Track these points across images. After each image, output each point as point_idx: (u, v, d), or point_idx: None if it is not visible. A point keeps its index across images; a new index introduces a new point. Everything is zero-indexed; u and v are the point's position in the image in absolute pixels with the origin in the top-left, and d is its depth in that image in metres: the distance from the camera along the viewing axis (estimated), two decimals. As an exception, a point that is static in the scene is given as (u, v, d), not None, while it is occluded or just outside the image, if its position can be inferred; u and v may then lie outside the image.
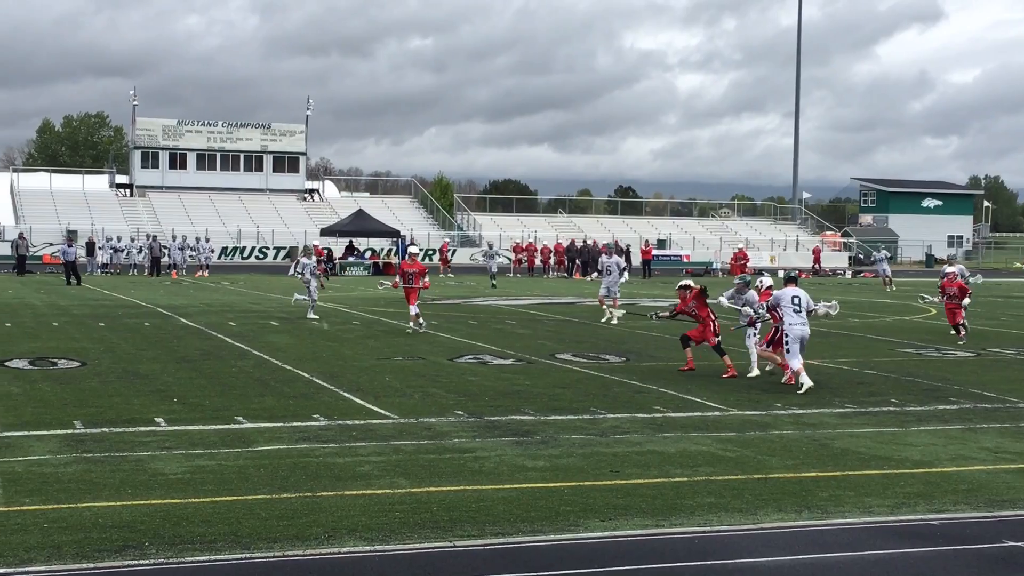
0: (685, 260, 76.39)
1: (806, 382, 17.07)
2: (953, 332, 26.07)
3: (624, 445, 12.72)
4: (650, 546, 8.75)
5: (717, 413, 15.17)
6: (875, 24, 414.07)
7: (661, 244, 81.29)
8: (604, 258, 31.30)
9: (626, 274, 30.64)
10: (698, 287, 19.96)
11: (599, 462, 11.72)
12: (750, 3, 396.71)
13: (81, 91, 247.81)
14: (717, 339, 19.41)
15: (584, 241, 65.34)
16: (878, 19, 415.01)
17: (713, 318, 19.66)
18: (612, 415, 14.73)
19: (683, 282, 20.82)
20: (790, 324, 17.47)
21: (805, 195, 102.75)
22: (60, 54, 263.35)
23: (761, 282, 20.61)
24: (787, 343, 17.56)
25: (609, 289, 29.53)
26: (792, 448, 12.77)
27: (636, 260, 62.38)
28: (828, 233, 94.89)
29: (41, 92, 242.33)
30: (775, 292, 18.66)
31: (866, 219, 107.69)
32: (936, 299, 28.28)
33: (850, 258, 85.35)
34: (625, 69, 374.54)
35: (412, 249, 29.06)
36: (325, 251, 58.14)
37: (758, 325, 19.52)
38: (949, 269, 28.09)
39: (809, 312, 17.77)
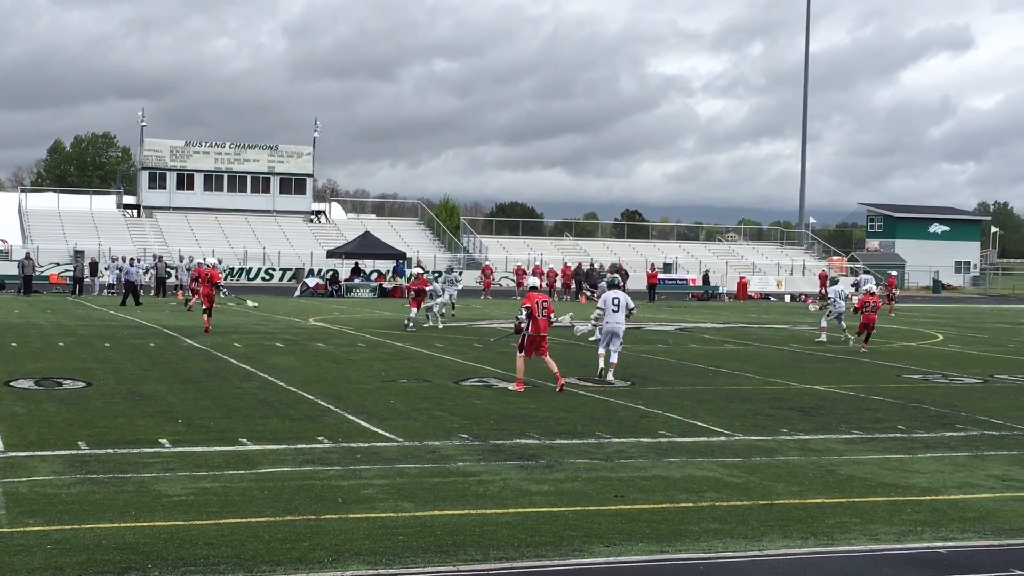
0: (691, 284, 76.31)
1: (601, 363, 21.45)
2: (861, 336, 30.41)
3: (629, 470, 12.67)
4: (654, 572, 8.70)
5: (723, 438, 15.12)
6: (902, 50, 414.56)
7: (667, 268, 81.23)
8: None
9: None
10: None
11: (604, 487, 11.68)
12: (779, 29, 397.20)
13: (105, 113, 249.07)
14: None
15: (591, 264, 65.32)
16: (905, 45, 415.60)
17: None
18: (617, 439, 14.69)
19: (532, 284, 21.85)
20: (607, 321, 21.62)
21: (811, 220, 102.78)
22: (88, 76, 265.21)
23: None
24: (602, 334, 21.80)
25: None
26: (798, 474, 12.72)
27: (639, 284, 62.37)
28: (834, 258, 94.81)
29: (65, 114, 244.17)
30: (614, 292, 22.24)
31: (872, 244, 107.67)
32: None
33: (854, 284, 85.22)
34: (647, 94, 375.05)
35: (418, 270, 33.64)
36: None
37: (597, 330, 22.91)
38: (866, 287, 33.12)
39: (628, 312, 21.82)
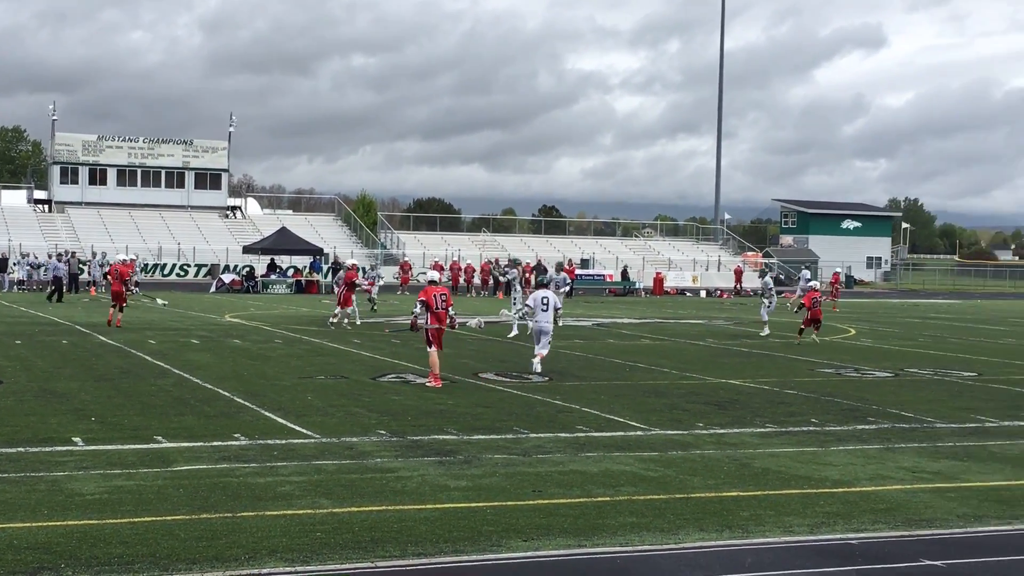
0: (608, 280, 76.75)
1: (536, 365, 21.72)
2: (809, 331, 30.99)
3: (547, 465, 12.72)
4: (572, 566, 8.75)
5: (639, 433, 15.24)
6: (816, 48, 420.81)
7: (584, 264, 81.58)
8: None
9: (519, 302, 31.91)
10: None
11: (521, 482, 11.72)
12: (696, 26, 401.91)
13: (15, 106, 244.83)
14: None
15: (509, 259, 65.37)
16: (819, 43, 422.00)
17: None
18: (535, 434, 14.74)
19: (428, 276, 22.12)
20: (537, 320, 22.22)
21: (726, 216, 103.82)
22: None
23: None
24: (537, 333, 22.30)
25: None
26: (713, 467, 12.86)
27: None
28: (749, 253, 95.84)
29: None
30: (532, 293, 23.07)
31: (786, 240, 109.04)
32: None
33: (772, 278, 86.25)
34: (565, 90, 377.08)
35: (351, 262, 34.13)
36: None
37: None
38: (810, 283, 33.77)
39: (556, 311, 22.37)
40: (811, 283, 34.84)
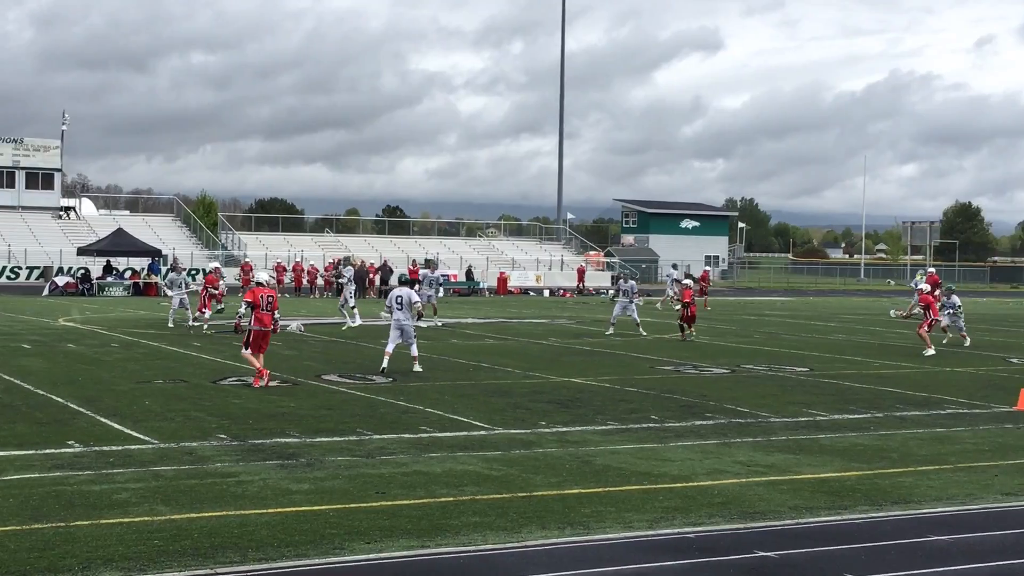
0: (452, 280, 76.86)
1: (385, 362, 21.85)
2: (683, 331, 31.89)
3: (390, 466, 12.70)
4: (415, 567, 8.75)
5: (483, 432, 15.31)
6: (656, 51, 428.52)
7: (428, 263, 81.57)
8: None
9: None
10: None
11: (365, 484, 11.68)
12: (539, 27, 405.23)
13: None
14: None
15: (351, 260, 64.93)
16: (659, 46, 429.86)
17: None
18: (379, 436, 14.69)
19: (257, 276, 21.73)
20: (395, 318, 22.05)
21: (569, 216, 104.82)
22: None
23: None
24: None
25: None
26: (556, 466, 12.99)
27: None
28: (591, 253, 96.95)
29: None
30: (399, 290, 22.62)
31: (628, 239, 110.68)
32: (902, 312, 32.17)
33: (613, 277, 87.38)
34: (409, 90, 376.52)
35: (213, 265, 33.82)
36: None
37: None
38: (685, 281, 35.43)
39: (412, 306, 22.37)
40: (686, 281, 35.60)
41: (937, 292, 33.78)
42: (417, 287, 32.50)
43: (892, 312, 35.43)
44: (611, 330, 33.76)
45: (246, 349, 19.62)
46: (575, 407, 17.91)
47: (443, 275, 36.81)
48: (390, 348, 22.17)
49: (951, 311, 31.27)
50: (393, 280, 35.33)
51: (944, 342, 31.08)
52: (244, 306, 19.82)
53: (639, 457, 13.67)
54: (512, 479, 12.15)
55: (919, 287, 31.02)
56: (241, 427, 15.09)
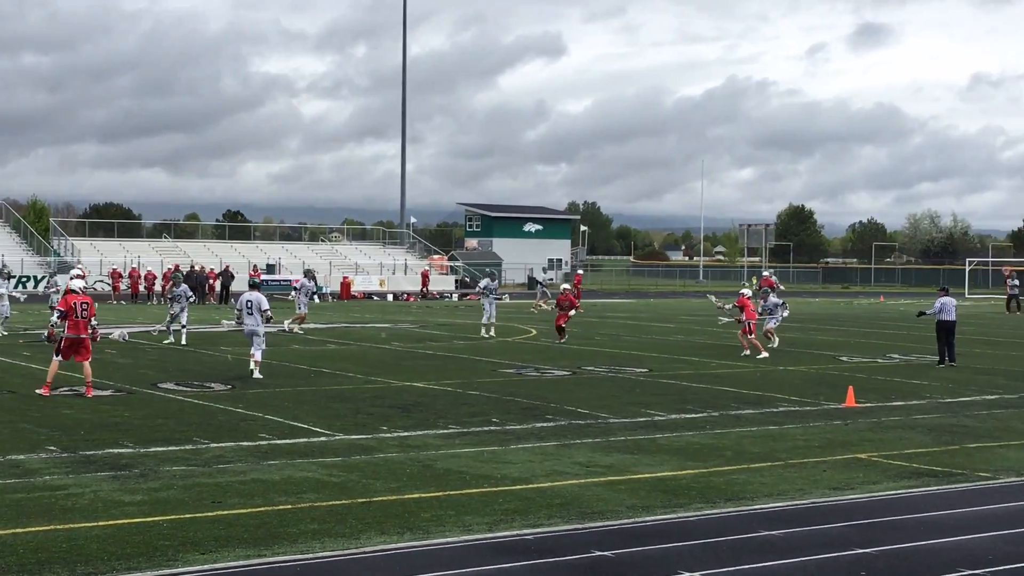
0: (294, 285, 76.11)
1: (254, 370, 22.08)
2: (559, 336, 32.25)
3: (227, 475, 12.50)
4: (251, 577, 8.63)
5: (323, 438, 15.18)
6: (500, 55, 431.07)
7: (270, 268, 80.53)
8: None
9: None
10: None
11: (200, 493, 11.47)
12: (383, 31, 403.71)
13: None
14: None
15: (191, 266, 63.81)
16: (503, 50, 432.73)
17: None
18: (216, 444, 14.45)
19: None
20: (245, 324, 22.49)
21: (412, 220, 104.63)
22: None
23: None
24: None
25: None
26: (396, 471, 12.95)
27: (243, 286, 61.48)
28: (435, 257, 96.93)
29: None
30: (248, 295, 22.75)
31: (471, 243, 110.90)
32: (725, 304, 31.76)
33: (457, 281, 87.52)
34: (250, 93, 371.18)
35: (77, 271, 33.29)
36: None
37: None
38: (565, 286, 35.42)
39: (262, 311, 22.34)
40: (564, 285, 36.27)
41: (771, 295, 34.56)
42: (294, 294, 33.00)
43: (711, 296, 35.95)
44: (484, 331, 34.47)
45: (57, 356, 19.11)
46: (416, 411, 17.89)
47: (316, 284, 36.72)
48: (257, 356, 22.36)
49: (770, 310, 31.33)
50: (237, 286, 34.96)
51: (771, 345, 31.70)
52: (56, 314, 19.46)
53: (479, 460, 13.71)
54: (352, 485, 12.08)
55: (741, 292, 31.35)
56: (72, 438, 14.68)
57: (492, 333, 34.43)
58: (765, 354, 28.40)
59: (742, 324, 28.92)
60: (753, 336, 28.84)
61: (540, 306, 52.59)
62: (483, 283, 36.18)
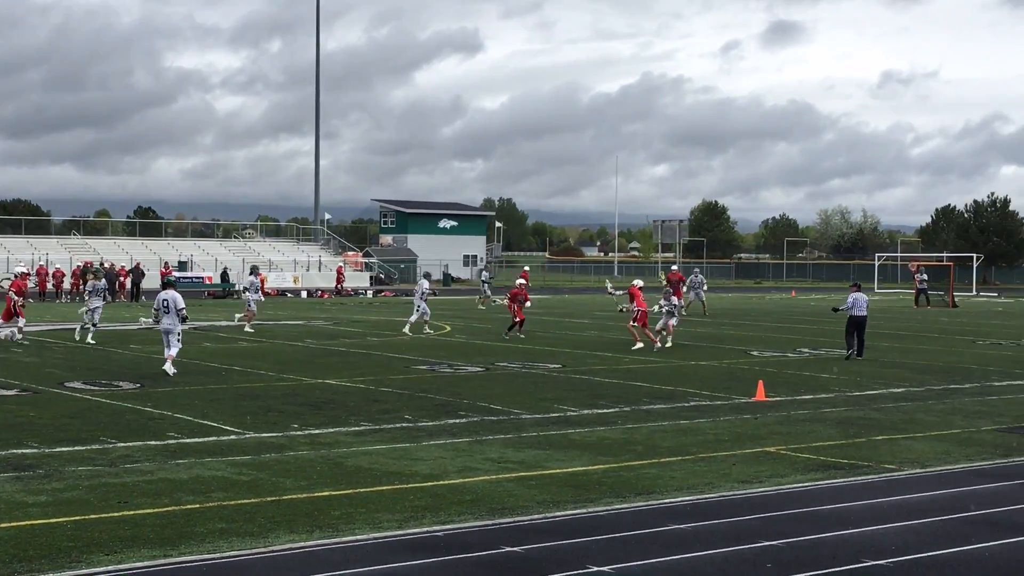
0: (207, 282, 75.25)
1: (169, 369, 21.87)
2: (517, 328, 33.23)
3: (134, 474, 12.34)
4: (157, 577, 8.53)
5: (233, 437, 15.05)
6: (416, 51, 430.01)
7: (182, 266, 79.61)
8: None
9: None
10: None
11: (106, 494, 11.31)
12: (298, 26, 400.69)
13: None
14: None
15: (101, 264, 62.82)
16: (419, 46, 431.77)
17: None
18: (123, 444, 14.26)
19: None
20: (162, 323, 22.27)
21: (327, 216, 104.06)
22: None
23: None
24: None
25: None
26: (307, 468, 12.88)
27: (154, 283, 60.68)
28: (350, 253, 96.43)
29: None
30: (164, 294, 22.56)
31: (386, 240, 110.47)
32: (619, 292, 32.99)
33: (371, 278, 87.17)
34: (163, 88, 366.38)
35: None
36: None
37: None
38: (519, 281, 36.73)
39: (178, 311, 22.16)
40: (519, 281, 36.63)
41: (683, 287, 35.20)
42: (246, 293, 33.90)
43: (608, 284, 36.18)
44: (422, 329, 34.38)
45: None
46: (328, 409, 17.79)
47: (254, 282, 36.48)
48: (172, 353, 22.18)
49: (669, 308, 31.26)
50: (148, 284, 34.42)
51: (667, 345, 31.68)
52: None
53: (391, 457, 13.68)
54: (261, 484, 11.99)
55: (633, 282, 31.37)
56: (-25, 439, 14.40)
57: (416, 331, 33.82)
58: (640, 344, 28.94)
59: (634, 314, 29.56)
60: (645, 327, 29.46)
61: (489, 302, 52.97)
62: (484, 276, 36.74)
